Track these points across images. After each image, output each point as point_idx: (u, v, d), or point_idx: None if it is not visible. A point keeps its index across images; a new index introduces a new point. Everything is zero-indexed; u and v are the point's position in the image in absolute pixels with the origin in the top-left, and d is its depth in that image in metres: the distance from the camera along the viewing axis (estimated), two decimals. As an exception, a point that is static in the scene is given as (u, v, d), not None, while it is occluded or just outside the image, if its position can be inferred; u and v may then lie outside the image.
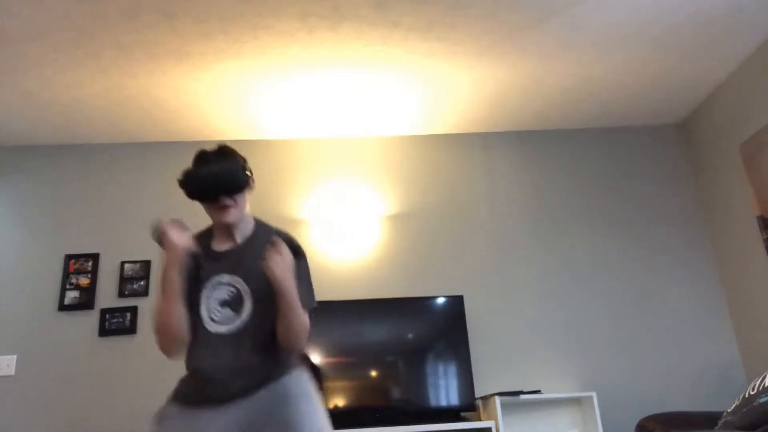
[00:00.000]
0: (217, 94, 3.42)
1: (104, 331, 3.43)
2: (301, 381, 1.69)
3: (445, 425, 3.01)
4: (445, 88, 3.50)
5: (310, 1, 2.75)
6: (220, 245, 1.76)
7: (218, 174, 1.69)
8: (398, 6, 2.81)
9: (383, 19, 2.90)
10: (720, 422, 2.34)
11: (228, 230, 1.75)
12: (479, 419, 3.28)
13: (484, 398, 3.26)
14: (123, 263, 3.57)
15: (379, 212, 3.78)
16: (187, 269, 1.69)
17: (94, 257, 3.58)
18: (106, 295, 3.52)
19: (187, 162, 1.84)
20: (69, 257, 3.56)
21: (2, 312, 3.45)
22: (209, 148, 1.78)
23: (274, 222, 3.92)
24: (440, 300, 3.47)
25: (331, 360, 3.27)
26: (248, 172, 1.76)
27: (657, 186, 3.93)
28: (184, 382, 1.76)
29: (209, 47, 3.02)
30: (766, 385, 2.11)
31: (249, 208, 1.80)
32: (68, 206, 3.71)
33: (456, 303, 3.44)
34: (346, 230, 3.69)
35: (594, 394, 3.22)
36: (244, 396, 1.63)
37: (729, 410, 2.31)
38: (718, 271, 3.74)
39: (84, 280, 3.52)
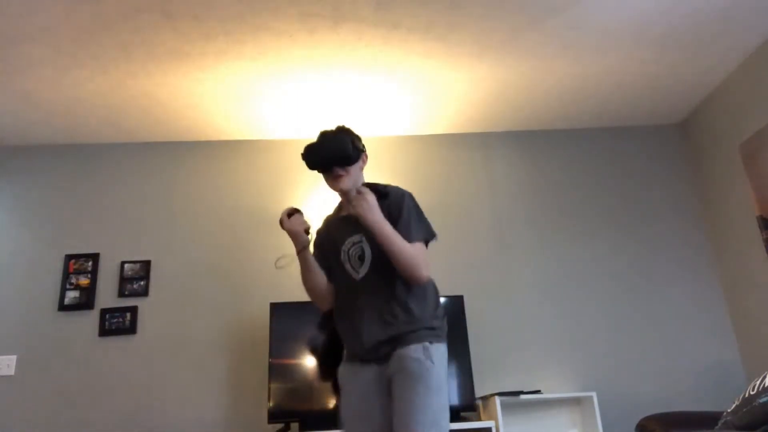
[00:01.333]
0: (217, 94, 3.42)
1: (104, 331, 3.44)
2: (424, 362, 1.77)
3: (445, 425, 3.01)
4: (444, 88, 3.50)
5: (310, 2, 2.75)
6: (345, 210, 2.04)
7: (329, 148, 1.97)
8: (398, 7, 2.81)
9: (383, 20, 2.90)
10: (720, 422, 2.34)
11: (345, 197, 2.03)
12: (479, 419, 3.28)
13: (484, 398, 3.26)
14: (123, 263, 3.57)
15: (379, 212, 3.78)
16: (321, 240, 2.06)
17: (94, 257, 3.58)
18: (106, 295, 3.52)
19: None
20: (69, 257, 3.56)
21: (2, 312, 3.45)
22: (329, 127, 2.06)
23: (272, 221, 3.92)
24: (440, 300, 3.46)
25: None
26: (359, 147, 2.02)
27: (657, 186, 3.93)
28: (344, 340, 1.98)
29: (209, 47, 3.02)
30: (766, 385, 2.11)
31: (360, 179, 2.03)
32: (68, 206, 3.71)
33: (456, 303, 3.44)
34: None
35: (594, 394, 3.22)
36: (378, 360, 1.83)
37: (729, 410, 2.31)
38: (718, 271, 3.74)
39: (84, 280, 3.52)
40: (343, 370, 1.93)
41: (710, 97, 3.77)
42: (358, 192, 1.88)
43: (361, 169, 2.06)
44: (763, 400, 2.08)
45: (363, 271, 1.90)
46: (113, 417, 3.29)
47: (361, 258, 1.92)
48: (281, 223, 1.95)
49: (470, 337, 3.36)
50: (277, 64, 3.18)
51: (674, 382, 3.49)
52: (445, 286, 3.57)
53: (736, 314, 3.61)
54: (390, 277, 1.87)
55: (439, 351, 1.82)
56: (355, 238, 1.94)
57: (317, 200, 3.78)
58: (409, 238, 1.87)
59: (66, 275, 3.52)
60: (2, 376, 3.32)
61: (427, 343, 1.81)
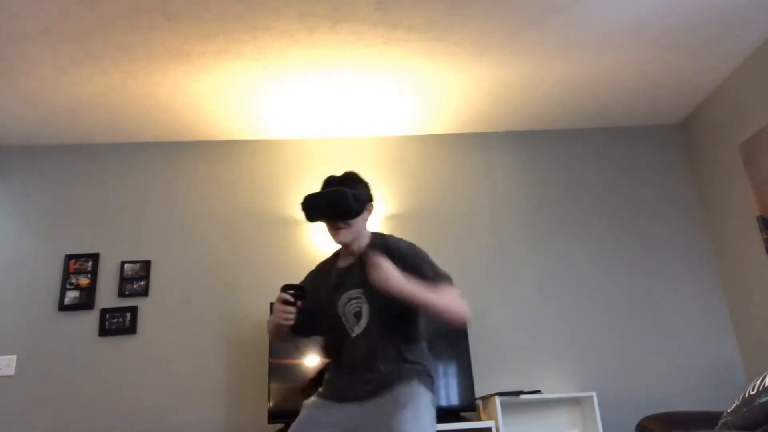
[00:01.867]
0: (217, 94, 3.42)
1: (104, 331, 3.44)
2: (413, 394, 1.79)
3: (445, 425, 3.01)
4: (444, 88, 3.50)
5: (310, 2, 2.75)
6: (344, 262, 1.99)
7: (328, 201, 1.88)
8: (398, 6, 2.81)
9: (383, 20, 2.90)
10: (720, 422, 2.34)
11: (346, 248, 1.98)
12: (479, 419, 3.28)
13: (484, 398, 3.26)
14: (123, 263, 3.57)
15: (379, 212, 3.78)
16: (313, 287, 1.98)
17: (94, 257, 3.58)
18: (106, 295, 3.52)
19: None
20: (69, 257, 3.56)
21: (2, 312, 3.45)
22: (337, 174, 1.98)
23: (272, 221, 3.92)
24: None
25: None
26: (363, 199, 1.92)
27: (657, 186, 3.93)
28: (325, 381, 1.96)
29: (209, 47, 3.02)
30: (766, 385, 2.10)
31: (364, 229, 1.98)
32: (68, 206, 3.71)
33: (456, 303, 3.43)
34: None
35: (594, 394, 3.22)
36: (364, 398, 1.81)
37: (729, 410, 2.31)
38: (718, 271, 3.74)
39: (84, 280, 3.52)
40: (313, 405, 1.89)
41: (710, 97, 3.77)
42: (370, 260, 1.75)
43: (366, 220, 1.97)
44: (763, 400, 2.08)
45: (358, 330, 1.86)
46: (113, 417, 3.28)
47: (357, 315, 1.87)
48: (275, 311, 1.90)
49: (470, 337, 3.36)
50: (277, 64, 3.18)
51: (674, 382, 3.49)
52: (445, 286, 3.60)
53: (736, 314, 3.60)
54: (388, 336, 1.85)
55: (426, 396, 1.81)
56: (353, 293, 1.89)
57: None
58: (435, 282, 1.81)
59: (66, 275, 3.52)
60: (2, 376, 3.32)
61: (415, 382, 1.81)
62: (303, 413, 1.87)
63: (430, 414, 1.80)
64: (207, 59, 3.11)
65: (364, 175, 2.03)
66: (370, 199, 1.97)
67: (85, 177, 3.79)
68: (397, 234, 3.67)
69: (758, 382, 2.17)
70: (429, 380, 1.87)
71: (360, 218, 1.92)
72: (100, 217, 3.70)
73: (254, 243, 3.67)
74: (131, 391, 3.34)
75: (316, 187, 2.00)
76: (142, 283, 3.54)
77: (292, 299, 1.85)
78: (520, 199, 3.87)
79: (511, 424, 3.29)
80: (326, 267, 2.06)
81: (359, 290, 1.87)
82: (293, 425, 1.83)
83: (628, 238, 3.79)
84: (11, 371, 3.33)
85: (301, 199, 1.90)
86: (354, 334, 1.86)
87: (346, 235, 1.91)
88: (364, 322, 1.86)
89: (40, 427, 3.24)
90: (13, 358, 3.36)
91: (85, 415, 3.28)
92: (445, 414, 3.20)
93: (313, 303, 1.94)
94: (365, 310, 1.86)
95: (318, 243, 3.68)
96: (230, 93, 3.42)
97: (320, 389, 1.95)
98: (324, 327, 1.96)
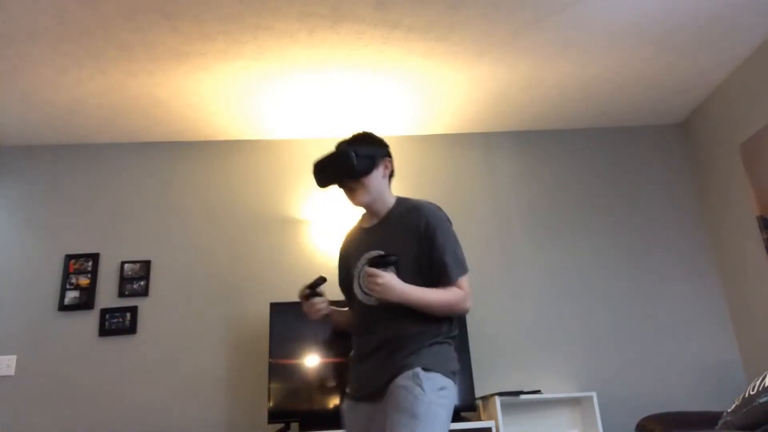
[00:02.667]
0: (217, 94, 3.42)
1: (104, 331, 3.44)
2: (412, 390, 1.63)
3: (445, 425, 3.01)
4: (445, 88, 3.50)
5: (310, 1, 2.75)
6: (366, 223, 1.95)
7: (332, 163, 1.84)
8: (398, 6, 2.81)
9: (383, 20, 2.90)
10: (720, 422, 2.34)
11: (368, 210, 1.93)
12: (479, 419, 3.28)
13: (484, 398, 3.26)
14: (123, 263, 3.57)
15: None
16: (342, 259, 1.96)
17: (94, 257, 3.58)
18: (106, 295, 3.52)
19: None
20: (69, 257, 3.56)
21: (2, 312, 3.45)
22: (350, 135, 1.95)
23: (272, 221, 3.92)
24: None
25: (331, 360, 3.27)
26: (372, 155, 1.86)
27: (657, 186, 3.93)
28: (349, 372, 1.89)
29: (209, 47, 3.02)
30: (766, 385, 2.10)
31: (384, 188, 1.92)
32: (68, 206, 3.71)
33: (456, 303, 3.43)
34: (347, 230, 3.68)
35: (594, 394, 3.22)
36: (375, 397, 1.72)
37: (729, 410, 2.31)
38: (718, 271, 3.74)
39: (84, 280, 3.52)
40: (346, 407, 1.85)
41: (710, 97, 3.77)
42: (368, 275, 1.69)
43: (384, 176, 1.91)
44: (763, 400, 2.08)
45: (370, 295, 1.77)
46: (113, 417, 3.28)
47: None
48: (301, 304, 1.88)
49: (470, 337, 3.36)
50: (277, 64, 3.18)
51: (674, 382, 3.49)
52: (445, 286, 3.60)
53: (736, 314, 3.60)
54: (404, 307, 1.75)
55: (433, 381, 1.64)
56: (373, 253, 1.82)
57: (317, 200, 3.78)
58: (449, 277, 1.77)
59: (66, 275, 3.52)
60: (2, 376, 3.32)
61: (418, 369, 1.65)
62: (344, 417, 1.84)
63: (437, 409, 1.62)
64: (207, 59, 3.11)
65: (377, 134, 1.97)
66: (383, 155, 1.91)
67: (85, 177, 3.79)
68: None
69: (758, 382, 2.17)
70: (437, 362, 1.71)
71: (372, 176, 1.86)
72: (100, 217, 3.70)
73: (254, 243, 3.67)
74: (131, 391, 3.34)
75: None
76: (142, 283, 3.54)
77: (307, 293, 1.83)
78: (520, 199, 3.87)
79: (511, 424, 3.29)
80: (353, 231, 2.01)
81: (379, 251, 1.80)
82: None
83: (628, 238, 3.79)
84: (11, 371, 3.33)
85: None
86: (364, 299, 1.80)
87: (361, 195, 1.86)
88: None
89: (40, 427, 3.24)
90: (13, 358, 3.36)
91: (85, 415, 3.28)
92: (445, 414, 3.20)
93: (346, 271, 1.91)
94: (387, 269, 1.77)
95: (318, 243, 3.68)
96: (230, 93, 3.42)
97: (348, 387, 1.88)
98: (351, 298, 1.89)
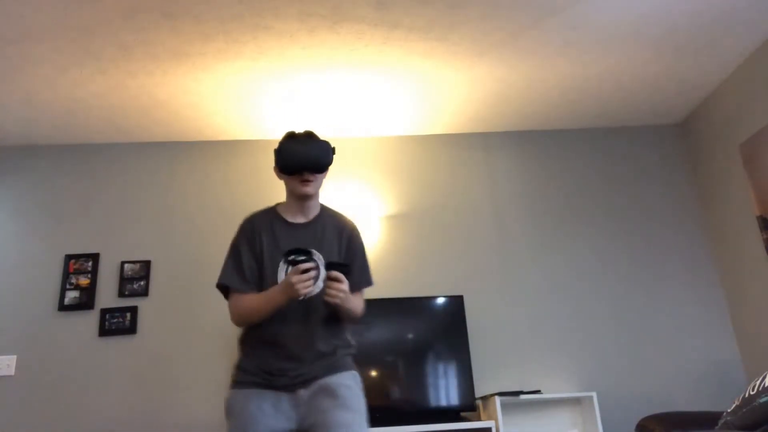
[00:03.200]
0: (217, 94, 3.42)
1: (104, 331, 3.44)
2: (350, 388, 1.80)
3: (445, 425, 3.01)
4: (445, 88, 3.50)
5: (310, 1, 2.75)
6: (293, 218, 1.96)
7: (311, 152, 1.93)
8: (398, 6, 2.81)
9: (383, 20, 2.90)
10: (720, 422, 2.34)
11: (301, 205, 1.96)
12: (479, 419, 3.28)
13: (484, 398, 3.26)
14: (123, 263, 3.57)
15: (379, 212, 3.78)
16: (258, 242, 1.90)
17: (94, 257, 3.58)
18: (106, 295, 3.52)
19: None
20: (69, 257, 3.56)
21: (2, 312, 3.45)
22: (297, 130, 2.02)
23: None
24: (440, 300, 3.47)
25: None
26: (333, 155, 1.98)
27: (657, 186, 3.93)
28: (248, 364, 1.84)
29: (209, 47, 3.02)
30: (766, 385, 2.10)
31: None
32: (68, 206, 3.71)
33: (456, 303, 3.44)
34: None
35: (594, 394, 3.22)
36: (302, 385, 1.77)
37: (729, 410, 2.31)
38: (718, 270, 3.74)
39: (84, 280, 3.52)
40: (240, 395, 1.77)
41: (710, 97, 3.77)
42: (335, 280, 1.74)
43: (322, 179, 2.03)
44: (763, 400, 2.08)
45: (315, 290, 1.78)
46: (113, 417, 3.28)
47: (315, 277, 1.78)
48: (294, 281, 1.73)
49: (470, 337, 3.37)
50: (277, 64, 3.18)
51: (674, 382, 3.49)
52: (445, 286, 3.60)
53: (736, 314, 3.61)
54: (331, 309, 1.84)
55: (360, 382, 1.86)
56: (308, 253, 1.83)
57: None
58: (359, 285, 1.92)
59: (66, 275, 3.52)
60: (2, 376, 3.32)
61: (355, 372, 1.85)
62: (240, 406, 1.74)
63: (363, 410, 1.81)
64: (207, 59, 3.11)
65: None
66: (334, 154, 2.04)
67: (85, 177, 3.79)
68: (398, 234, 3.71)
69: (758, 382, 2.17)
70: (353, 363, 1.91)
71: (323, 175, 1.99)
72: (100, 217, 3.70)
73: (254, 243, 3.67)
74: (131, 391, 3.34)
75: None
76: (142, 283, 3.54)
77: (312, 265, 1.75)
78: (520, 199, 3.87)
79: (511, 424, 3.29)
80: (274, 220, 1.96)
81: (315, 251, 1.83)
82: (237, 424, 1.73)
83: (628, 238, 3.79)
84: (11, 371, 3.33)
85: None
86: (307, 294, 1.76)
87: (315, 187, 1.95)
88: (320, 284, 1.79)
89: (40, 427, 3.24)
90: (13, 358, 3.36)
91: (85, 415, 3.28)
92: (445, 414, 3.20)
93: (263, 256, 1.87)
94: (322, 273, 1.79)
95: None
96: (230, 93, 3.42)
97: (238, 375, 1.82)
98: (259, 288, 1.85)
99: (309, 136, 1.99)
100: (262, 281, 1.86)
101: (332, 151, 1.97)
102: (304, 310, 1.82)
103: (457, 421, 3.12)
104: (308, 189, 1.93)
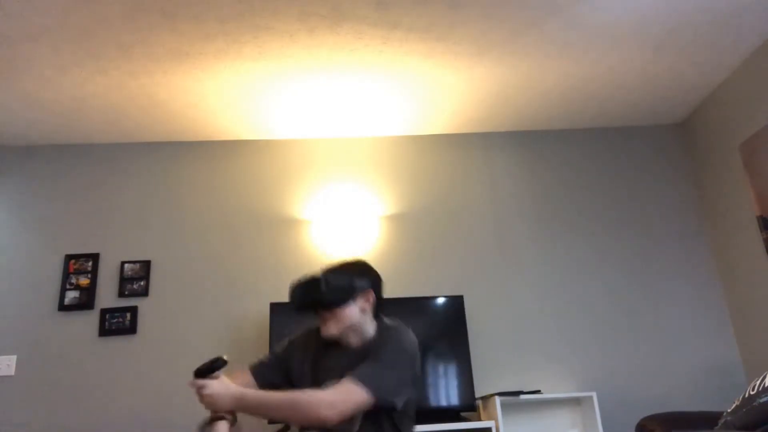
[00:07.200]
0: (217, 94, 3.42)
1: (104, 331, 3.44)
2: None
3: (445, 425, 3.01)
4: (444, 87, 3.50)
5: (310, 1, 2.75)
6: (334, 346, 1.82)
7: (303, 290, 1.77)
8: (398, 6, 2.81)
9: (383, 19, 2.90)
10: (720, 422, 2.34)
11: (338, 340, 1.81)
12: (479, 419, 3.28)
13: (484, 398, 3.26)
14: (123, 263, 3.57)
15: (379, 212, 3.78)
16: (296, 351, 1.85)
17: (94, 257, 3.58)
18: (106, 295, 3.52)
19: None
20: (69, 257, 3.56)
21: (2, 312, 3.45)
22: (338, 259, 1.89)
23: (272, 221, 3.90)
24: (440, 300, 3.47)
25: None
26: (347, 287, 1.78)
27: (657, 186, 3.93)
28: None
29: (209, 47, 3.02)
30: (766, 385, 2.10)
31: (361, 322, 1.82)
32: (68, 206, 3.71)
33: (456, 303, 3.44)
34: (346, 230, 3.69)
35: (594, 394, 3.22)
36: None
37: (729, 410, 2.31)
38: (718, 271, 3.74)
39: (84, 280, 3.52)
40: None
41: (710, 97, 3.77)
42: (194, 387, 1.68)
43: (364, 310, 1.81)
44: (763, 400, 2.08)
45: (357, 422, 1.66)
46: (113, 417, 3.28)
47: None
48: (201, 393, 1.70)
49: (470, 337, 3.37)
50: (277, 64, 3.18)
51: (674, 382, 3.49)
52: (445, 286, 3.60)
53: (736, 314, 3.60)
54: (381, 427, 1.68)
55: None
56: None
57: (317, 200, 3.79)
58: (358, 374, 1.64)
59: (66, 275, 3.52)
60: (2, 376, 3.32)
61: None
62: None
63: None
64: (207, 59, 3.11)
65: (369, 263, 1.91)
66: (363, 287, 1.82)
67: (85, 177, 3.79)
68: (398, 234, 3.71)
69: (758, 382, 2.17)
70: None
71: (348, 309, 1.77)
72: (100, 217, 3.70)
73: (253, 243, 3.67)
74: (131, 391, 3.34)
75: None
76: (142, 283, 3.54)
77: (201, 382, 1.68)
78: (520, 199, 3.87)
79: (511, 424, 3.29)
80: (315, 333, 1.87)
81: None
82: None
83: (628, 238, 3.79)
84: (11, 371, 3.33)
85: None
86: (354, 429, 1.67)
87: (330, 326, 1.77)
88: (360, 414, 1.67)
89: (40, 427, 3.24)
90: (13, 358, 3.36)
91: (85, 415, 3.28)
92: (445, 414, 3.20)
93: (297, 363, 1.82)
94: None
95: (318, 243, 3.68)
96: (230, 93, 3.42)
97: None
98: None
99: (330, 269, 1.85)
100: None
101: (330, 285, 1.77)
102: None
103: (457, 421, 3.12)
104: (323, 329, 1.79)
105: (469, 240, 3.75)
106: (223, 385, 1.68)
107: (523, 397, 3.19)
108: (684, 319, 3.63)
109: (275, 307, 3.32)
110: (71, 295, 3.49)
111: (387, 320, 1.89)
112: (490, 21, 2.95)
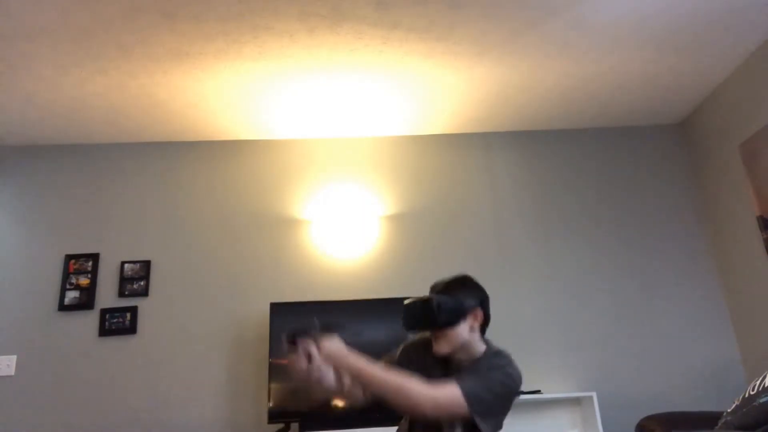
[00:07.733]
0: (217, 94, 3.42)
1: (104, 331, 3.44)
2: None
3: (445, 425, 3.01)
4: (444, 87, 3.50)
5: (310, 1, 2.75)
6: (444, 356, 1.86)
7: (414, 309, 1.82)
8: (398, 6, 2.81)
9: (383, 20, 2.90)
10: (720, 422, 2.34)
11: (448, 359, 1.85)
12: (479, 419, 3.28)
13: (484, 398, 3.25)
14: (123, 263, 3.57)
15: (379, 212, 3.78)
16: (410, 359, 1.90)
17: (94, 257, 3.58)
18: (106, 295, 3.52)
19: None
20: (69, 257, 3.56)
21: (2, 312, 3.45)
22: (446, 278, 1.94)
23: (272, 221, 3.90)
24: (440, 300, 3.46)
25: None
26: (455, 309, 1.82)
27: (657, 186, 3.93)
28: None
29: (209, 47, 3.02)
30: (766, 385, 2.10)
31: (471, 340, 1.88)
32: (68, 206, 3.71)
33: (456, 303, 3.43)
34: (346, 230, 3.69)
35: (594, 394, 3.22)
36: None
37: (729, 410, 2.31)
38: (718, 270, 3.74)
39: (84, 280, 3.52)
40: None
41: (710, 97, 3.77)
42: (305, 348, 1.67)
43: (473, 328, 1.88)
44: (763, 400, 2.08)
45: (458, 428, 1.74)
46: (113, 417, 3.28)
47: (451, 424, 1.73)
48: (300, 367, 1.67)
49: (470, 337, 3.36)
50: (277, 64, 3.18)
51: (674, 382, 3.49)
52: (445, 286, 3.60)
53: (736, 314, 3.60)
54: None
55: None
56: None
57: (317, 200, 3.79)
58: (460, 382, 1.67)
59: (66, 275, 3.52)
60: (2, 376, 3.32)
61: None
62: None
63: None
64: (207, 59, 3.11)
65: (475, 280, 1.97)
66: (472, 306, 1.89)
67: (85, 177, 3.79)
68: (398, 234, 3.71)
69: (758, 382, 2.17)
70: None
71: (456, 329, 1.82)
72: (100, 217, 3.70)
73: (254, 243, 3.67)
74: (131, 391, 3.34)
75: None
76: (142, 283, 3.54)
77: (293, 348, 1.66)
78: (520, 199, 3.87)
79: (511, 424, 3.28)
80: (427, 344, 1.92)
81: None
82: None
83: (628, 239, 3.79)
84: (11, 371, 3.33)
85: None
86: None
87: (442, 345, 1.82)
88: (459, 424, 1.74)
89: (40, 427, 3.24)
90: (13, 358, 3.36)
91: (85, 415, 3.28)
92: (445, 414, 3.20)
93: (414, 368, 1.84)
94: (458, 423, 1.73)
95: (318, 243, 3.68)
96: (230, 93, 3.42)
97: None
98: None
99: (442, 285, 1.91)
100: None
101: (440, 306, 1.81)
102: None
103: (457, 421, 3.11)
104: (434, 347, 1.85)
105: (469, 240, 3.75)
106: (332, 342, 1.67)
107: (523, 397, 3.19)
108: (684, 319, 3.63)
109: (275, 307, 3.32)
110: (71, 295, 3.49)
111: (494, 345, 1.97)
112: (490, 21, 2.95)
